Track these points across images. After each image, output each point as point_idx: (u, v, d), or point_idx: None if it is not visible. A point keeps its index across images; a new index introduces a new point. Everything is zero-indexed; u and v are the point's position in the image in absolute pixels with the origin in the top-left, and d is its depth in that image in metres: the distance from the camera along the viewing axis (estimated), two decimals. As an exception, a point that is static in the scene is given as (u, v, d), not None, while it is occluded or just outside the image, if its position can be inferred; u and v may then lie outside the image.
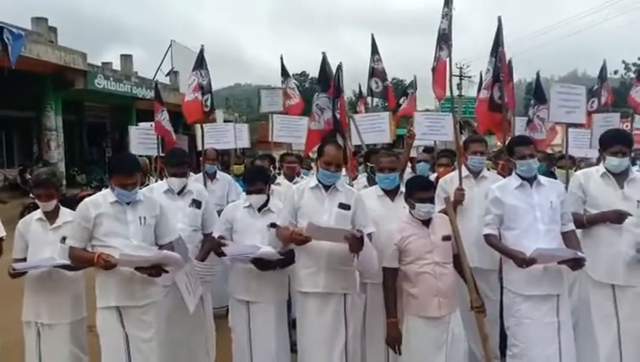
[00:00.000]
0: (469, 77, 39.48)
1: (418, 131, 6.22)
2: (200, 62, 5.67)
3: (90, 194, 4.18)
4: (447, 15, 4.60)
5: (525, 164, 3.77)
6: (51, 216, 3.91)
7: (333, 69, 5.15)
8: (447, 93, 5.24)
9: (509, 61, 5.13)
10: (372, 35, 7.17)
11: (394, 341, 3.58)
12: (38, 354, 3.83)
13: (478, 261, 4.26)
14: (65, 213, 3.95)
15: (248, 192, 4.06)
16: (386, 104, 7.48)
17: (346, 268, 3.79)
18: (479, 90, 10.85)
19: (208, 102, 5.56)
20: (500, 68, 4.76)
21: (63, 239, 3.71)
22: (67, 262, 3.65)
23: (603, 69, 7.11)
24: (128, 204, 3.53)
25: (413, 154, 6.97)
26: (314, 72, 38.72)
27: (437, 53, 4.81)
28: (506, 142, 4.38)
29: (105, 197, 3.56)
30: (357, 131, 5.79)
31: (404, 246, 3.61)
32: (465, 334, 3.74)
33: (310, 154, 6.77)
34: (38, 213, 3.93)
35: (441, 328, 3.59)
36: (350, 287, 3.85)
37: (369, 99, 7.90)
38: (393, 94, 7.73)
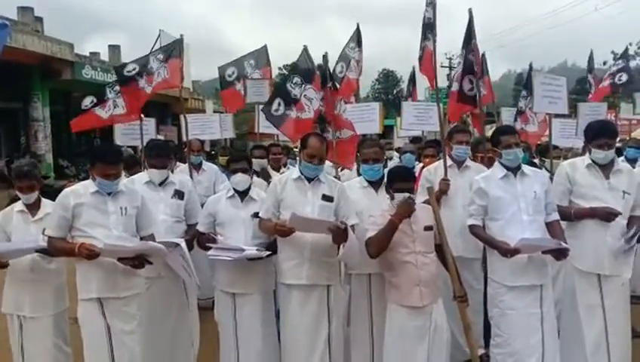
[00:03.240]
0: (454, 67, 39.47)
1: (405, 121, 6.23)
2: (179, 51, 5.64)
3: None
4: (431, 3, 4.58)
5: (512, 153, 3.77)
6: (33, 207, 3.88)
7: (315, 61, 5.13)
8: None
9: (483, 54, 5.17)
10: (357, 25, 7.13)
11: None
12: (20, 346, 3.81)
13: (463, 250, 4.28)
14: (46, 204, 3.91)
15: (234, 171, 4.03)
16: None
17: (329, 259, 3.78)
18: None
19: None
20: (474, 60, 4.77)
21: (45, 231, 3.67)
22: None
23: (590, 60, 7.15)
24: (109, 194, 3.50)
25: (400, 144, 6.98)
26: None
27: (422, 43, 4.80)
28: (481, 134, 4.41)
29: (86, 187, 3.52)
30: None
31: None
32: (449, 324, 3.75)
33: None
34: (19, 205, 3.89)
35: (424, 318, 3.59)
36: (333, 279, 3.84)
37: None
38: (354, 88, 7.59)
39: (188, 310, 4.17)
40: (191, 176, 5.52)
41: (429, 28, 4.71)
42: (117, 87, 5.83)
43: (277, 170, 6.16)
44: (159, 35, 6.51)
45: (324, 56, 5.00)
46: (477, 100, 4.84)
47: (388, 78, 61.44)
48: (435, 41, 4.56)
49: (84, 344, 3.46)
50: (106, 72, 19.83)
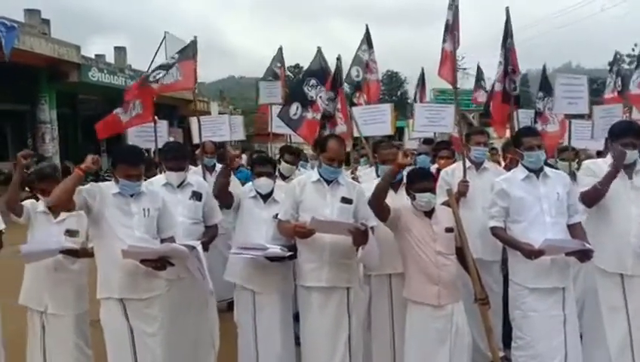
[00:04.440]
0: (464, 69, 39.40)
1: (417, 123, 6.20)
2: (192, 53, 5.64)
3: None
4: (452, 5, 4.59)
5: (534, 155, 3.75)
6: (54, 209, 3.87)
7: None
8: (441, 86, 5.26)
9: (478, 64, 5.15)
10: (366, 26, 7.10)
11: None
12: (42, 346, 3.82)
13: (482, 252, 4.26)
14: None
15: (258, 174, 4.05)
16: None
17: (349, 261, 3.80)
18: (477, 81, 10.85)
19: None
20: (510, 60, 4.75)
21: (68, 232, 3.69)
22: (73, 245, 3.68)
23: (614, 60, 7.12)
24: (132, 196, 3.50)
25: (414, 145, 6.96)
26: (306, 64, 38.67)
27: (442, 44, 4.81)
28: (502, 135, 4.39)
29: (108, 188, 3.53)
30: (356, 124, 5.76)
31: (406, 224, 3.64)
32: (469, 327, 3.74)
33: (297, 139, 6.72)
34: (41, 206, 3.90)
35: (445, 320, 3.59)
36: (353, 281, 3.85)
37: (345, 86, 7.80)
38: (380, 89, 7.60)
39: (207, 311, 4.16)
40: (204, 178, 5.50)
41: (448, 30, 4.70)
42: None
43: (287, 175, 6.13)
44: (164, 37, 6.49)
45: (338, 59, 5.00)
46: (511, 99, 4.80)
47: (392, 80, 61.40)
48: (455, 43, 4.55)
49: (107, 344, 3.46)
50: (113, 74, 19.91)
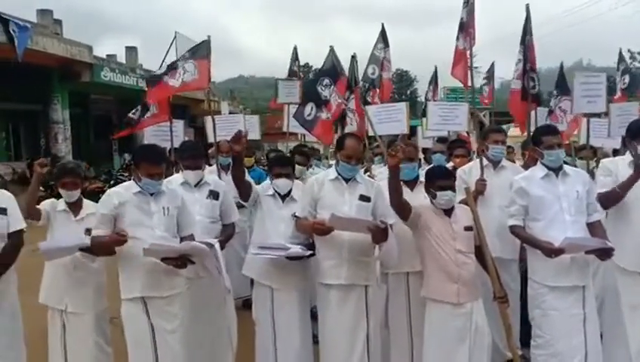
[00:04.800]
0: (476, 67, 39.21)
1: (431, 121, 6.19)
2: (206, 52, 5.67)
3: (99, 187, 4.19)
4: (467, 3, 4.58)
5: (554, 153, 3.73)
6: (75, 207, 3.92)
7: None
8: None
9: (492, 63, 5.14)
10: (382, 25, 7.12)
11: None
12: (62, 345, 3.85)
13: (500, 250, 4.23)
14: (88, 204, 3.97)
15: (277, 175, 4.05)
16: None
17: (368, 259, 3.81)
18: (488, 80, 10.79)
19: None
20: (528, 57, 4.72)
21: (88, 231, 3.71)
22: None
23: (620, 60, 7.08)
24: (152, 194, 3.52)
25: (429, 144, 6.94)
26: (316, 64, 38.73)
27: (455, 42, 4.80)
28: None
29: (127, 188, 3.56)
30: (370, 123, 5.76)
31: (426, 222, 3.64)
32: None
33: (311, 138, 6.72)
34: (61, 204, 3.93)
35: (464, 318, 3.58)
36: (371, 279, 3.86)
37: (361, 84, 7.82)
38: (392, 87, 7.61)
39: (226, 309, 4.18)
40: (219, 177, 5.53)
41: (461, 28, 4.70)
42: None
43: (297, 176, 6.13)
44: (175, 37, 6.51)
45: (353, 57, 5.01)
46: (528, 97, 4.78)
47: (402, 78, 61.25)
48: (471, 41, 4.55)
49: (128, 342, 3.49)
50: (124, 74, 20.03)
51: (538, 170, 3.81)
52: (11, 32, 14.34)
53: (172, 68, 5.60)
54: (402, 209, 3.62)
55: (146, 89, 5.94)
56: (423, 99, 9.90)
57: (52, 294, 3.91)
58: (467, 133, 7.39)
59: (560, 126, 5.58)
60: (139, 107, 5.97)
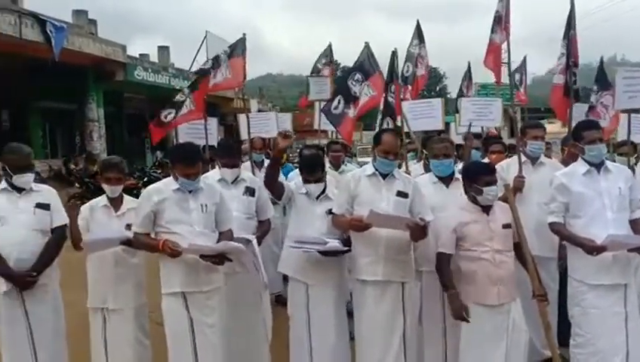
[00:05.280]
0: (505, 63, 38.59)
1: (464, 117, 6.13)
2: (241, 50, 5.72)
3: (133, 184, 4.27)
4: None
5: (595, 148, 3.66)
6: (116, 203, 3.99)
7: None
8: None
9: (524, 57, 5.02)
10: (417, 21, 7.06)
11: (459, 311, 3.47)
12: (103, 340, 3.92)
13: (538, 248, 4.15)
14: (128, 200, 4.03)
15: (307, 181, 4.06)
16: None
17: (405, 256, 3.78)
18: (520, 75, 10.61)
19: None
20: (571, 52, 4.63)
21: (128, 226, 3.77)
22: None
23: None
24: (190, 191, 3.57)
25: (459, 140, 6.88)
26: (344, 61, 38.67)
27: (490, 37, 4.74)
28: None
29: (167, 184, 3.61)
30: (405, 119, 5.74)
31: (462, 232, 3.56)
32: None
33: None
34: (103, 200, 4.00)
35: (501, 317, 3.54)
36: (408, 276, 3.83)
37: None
38: (424, 83, 7.52)
39: (261, 303, 4.21)
40: (253, 174, 5.57)
41: (497, 22, 4.64)
42: (187, 90, 5.95)
43: (336, 167, 6.15)
44: (205, 36, 6.58)
45: (394, 53, 4.98)
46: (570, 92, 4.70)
47: (431, 75, 60.65)
48: (508, 36, 4.48)
49: (167, 336, 3.55)
50: (157, 73, 20.35)
51: (579, 166, 3.74)
52: (48, 32, 14.81)
53: (216, 66, 5.66)
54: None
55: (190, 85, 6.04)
56: (453, 96, 9.82)
57: (96, 295, 3.97)
58: (495, 128, 7.29)
59: (602, 122, 5.45)
60: (171, 109, 6.04)
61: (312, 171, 4.05)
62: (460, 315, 3.48)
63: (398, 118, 5.22)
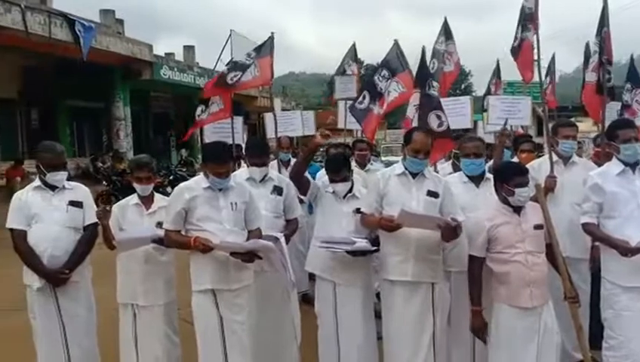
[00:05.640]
0: (535, 60, 38.01)
1: (493, 116, 6.06)
2: (269, 49, 5.75)
3: (159, 182, 4.30)
4: None
5: (630, 147, 3.58)
6: (147, 201, 4.03)
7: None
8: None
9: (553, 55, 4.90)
10: (445, 18, 7.00)
11: (478, 330, 3.51)
12: (134, 336, 3.97)
13: (570, 250, 4.09)
14: (159, 198, 4.08)
15: (333, 181, 4.05)
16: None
17: (435, 256, 3.75)
18: (547, 74, 10.45)
19: None
20: (605, 49, 4.53)
21: (159, 224, 3.82)
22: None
23: None
24: (220, 190, 3.60)
25: (490, 139, 6.80)
26: (367, 60, 38.55)
27: (521, 34, 4.66)
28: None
29: (198, 182, 3.64)
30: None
31: (494, 234, 3.51)
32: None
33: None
34: (134, 199, 4.05)
35: (532, 319, 3.48)
36: (438, 277, 3.79)
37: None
38: (452, 80, 7.43)
39: (290, 302, 4.23)
40: (279, 173, 5.59)
41: (528, 19, 4.56)
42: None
43: (362, 166, 6.13)
44: (230, 35, 6.61)
45: (423, 50, 4.94)
46: (615, 92, 4.60)
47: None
48: (537, 33, 4.41)
49: (197, 333, 3.58)
50: (182, 72, 20.56)
51: (614, 166, 3.67)
52: (77, 32, 15.02)
53: (245, 66, 5.71)
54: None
55: (210, 84, 6.10)
56: (479, 94, 9.73)
57: (125, 291, 4.02)
58: (522, 127, 7.19)
59: (638, 121, 5.35)
60: (202, 106, 6.12)
61: (338, 171, 4.05)
62: (478, 334, 3.50)
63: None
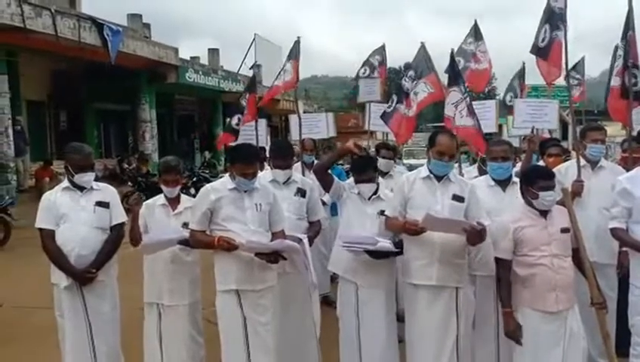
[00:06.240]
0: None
1: (518, 119, 5.99)
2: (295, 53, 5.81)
3: (183, 184, 4.35)
4: None
5: None
6: (173, 202, 4.09)
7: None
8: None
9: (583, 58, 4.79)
10: (475, 21, 6.93)
11: (513, 332, 3.43)
12: (158, 335, 4.02)
13: (597, 255, 4.03)
14: (185, 199, 4.13)
15: (358, 181, 4.06)
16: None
17: (460, 261, 3.72)
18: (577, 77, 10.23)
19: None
20: (630, 53, 4.45)
21: (185, 225, 3.86)
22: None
23: None
24: (245, 191, 3.62)
25: (515, 143, 6.72)
26: (390, 62, 38.44)
27: (550, 33, 4.60)
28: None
29: (224, 183, 3.68)
30: None
31: (519, 236, 3.48)
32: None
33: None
34: (161, 199, 4.10)
35: (558, 323, 3.43)
36: (463, 281, 3.75)
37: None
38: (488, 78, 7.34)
39: (311, 304, 4.23)
40: (303, 175, 5.60)
41: (560, 18, 4.50)
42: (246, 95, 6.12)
43: (383, 174, 6.09)
44: (254, 39, 6.68)
45: (452, 53, 4.91)
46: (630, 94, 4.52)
47: (479, 77, 59.43)
48: (566, 33, 4.35)
49: (221, 333, 3.61)
50: (207, 75, 20.77)
51: None
52: (105, 36, 15.27)
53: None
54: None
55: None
56: (502, 97, 9.59)
57: (151, 290, 4.07)
58: (549, 131, 7.08)
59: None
60: (239, 115, 6.22)
61: (363, 171, 4.06)
62: (513, 336, 3.44)
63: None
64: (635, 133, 4.85)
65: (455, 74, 4.93)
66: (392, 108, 5.91)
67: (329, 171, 4.24)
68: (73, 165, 3.87)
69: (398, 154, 7.48)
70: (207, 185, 3.75)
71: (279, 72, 5.83)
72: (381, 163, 5.56)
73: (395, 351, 4.02)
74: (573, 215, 3.58)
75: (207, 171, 17.90)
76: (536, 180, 3.43)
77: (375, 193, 4.06)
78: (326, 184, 4.16)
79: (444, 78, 5.29)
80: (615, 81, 4.69)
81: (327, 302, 5.77)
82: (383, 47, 7.55)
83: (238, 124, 6.33)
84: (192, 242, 3.71)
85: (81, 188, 3.90)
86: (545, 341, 3.42)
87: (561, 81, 5.40)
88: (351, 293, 4.02)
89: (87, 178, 3.89)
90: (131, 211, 4.05)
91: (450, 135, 3.85)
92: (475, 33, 6.53)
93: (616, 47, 4.74)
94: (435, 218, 3.48)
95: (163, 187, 4.08)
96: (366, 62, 7.46)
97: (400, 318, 4.07)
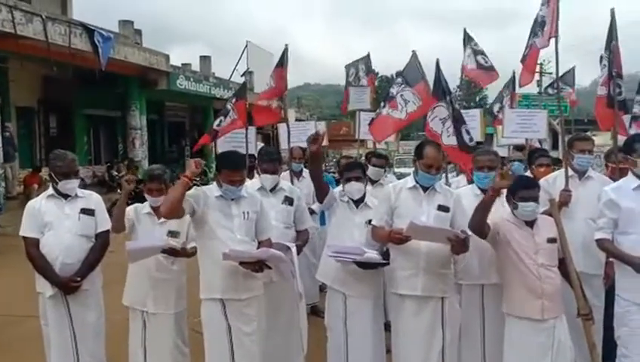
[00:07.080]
0: (550, 73, 37.71)
1: (508, 129, 6.03)
2: (282, 61, 5.81)
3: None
4: (547, 2, 4.45)
5: None
6: (158, 210, 4.04)
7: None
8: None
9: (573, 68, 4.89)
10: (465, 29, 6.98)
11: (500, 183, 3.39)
12: (143, 344, 3.97)
13: (583, 265, 4.02)
14: None
15: (347, 180, 4.07)
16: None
17: (445, 270, 3.72)
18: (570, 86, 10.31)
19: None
20: (614, 63, 4.51)
21: (170, 233, 3.83)
22: (176, 245, 3.85)
23: None
24: (232, 199, 3.60)
25: (504, 152, 6.76)
26: (381, 70, 38.69)
27: (530, 40, 4.67)
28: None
29: (210, 191, 3.64)
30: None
31: (505, 236, 3.52)
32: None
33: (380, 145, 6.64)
34: (146, 207, 4.06)
35: (546, 334, 3.45)
36: (449, 291, 3.76)
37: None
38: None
39: (298, 314, 4.20)
40: (292, 183, 5.59)
41: (541, 26, 4.55)
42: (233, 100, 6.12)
43: (373, 182, 6.10)
44: (246, 46, 6.66)
45: (437, 63, 4.94)
46: (627, 105, 4.58)
47: (470, 85, 59.87)
48: (557, 46, 4.40)
49: (205, 342, 3.57)
50: (198, 82, 20.71)
51: (630, 181, 3.60)
52: (96, 42, 15.18)
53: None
54: (482, 230, 3.52)
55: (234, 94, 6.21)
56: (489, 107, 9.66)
57: (135, 296, 4.03)
58: (538, 141, 7.13)
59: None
60: (222, 117, 6.18)
61: (352, 168, 4.15)
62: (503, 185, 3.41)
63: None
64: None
65: (441, 87, 4.97)
66: (378, 111, 5.93)
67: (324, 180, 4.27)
68: (57, 172, 3.83)
69: (389, 162, 7.50)
70: (199, 188, 3.72)
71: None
72: (371, 171, 5.56)
73: (381, 360, 4.00)
74: (559, 225, 3.59)
75: (197, 178, 17.82)
76: (517, 190, 3.48)
77: (362, 201, 4.05)
78: (323, 193, 4.17)
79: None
80: (601, 91, 4.74)
81: (316, 312, 5.75)
82: (367, 56, 7.60)
83: (219, 125, 6.29)
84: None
85: (66, 196, 3.86)
86: (534, 352, 3.44)
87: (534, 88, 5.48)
88: (339, 303, 4.01)
89: (70, 185, 3.85)
90: (122, 188, 3.97)
91: (437, 147, 3.86)
92: (469, 39, 6.60)
93: (601, 57, 4.79)
94: (419, 226, 3.48)
95: (147, 196, 4.04)
96: (353, 65, 7.53)
97: (388, 328, 4.06)
